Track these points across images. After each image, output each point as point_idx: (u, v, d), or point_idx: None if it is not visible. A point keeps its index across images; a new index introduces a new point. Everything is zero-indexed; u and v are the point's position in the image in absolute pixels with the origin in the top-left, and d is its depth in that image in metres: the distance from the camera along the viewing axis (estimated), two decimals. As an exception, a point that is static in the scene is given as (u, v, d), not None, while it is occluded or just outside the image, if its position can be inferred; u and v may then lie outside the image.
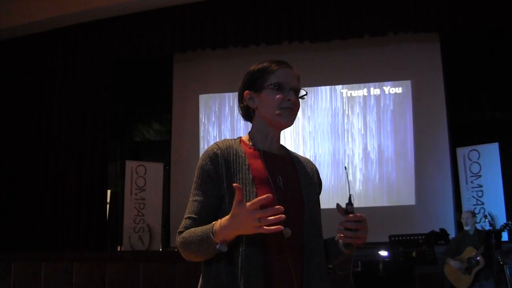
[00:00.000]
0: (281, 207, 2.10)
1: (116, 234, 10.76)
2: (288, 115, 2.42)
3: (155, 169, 10.59)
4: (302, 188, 2.43)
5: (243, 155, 2.41)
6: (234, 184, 2.15)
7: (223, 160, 2.37)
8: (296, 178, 2.46)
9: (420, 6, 9.47)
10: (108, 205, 10.91)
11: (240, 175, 2.35)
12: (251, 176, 2.35)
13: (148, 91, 11.82)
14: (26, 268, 8.69)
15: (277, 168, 2.43)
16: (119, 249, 10.55)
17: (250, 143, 2.48)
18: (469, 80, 10.39)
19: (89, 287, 8.62)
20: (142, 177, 10.41)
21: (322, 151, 10.31)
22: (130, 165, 10.49)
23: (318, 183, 2.58)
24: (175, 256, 9.23)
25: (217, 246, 2.18)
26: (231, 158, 2.39)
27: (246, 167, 2.37)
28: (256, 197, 2.19)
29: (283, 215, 2.09)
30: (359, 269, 7.72)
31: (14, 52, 10.97)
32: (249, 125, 2.55)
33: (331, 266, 7.18)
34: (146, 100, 12.02)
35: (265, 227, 2.09)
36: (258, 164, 2.41)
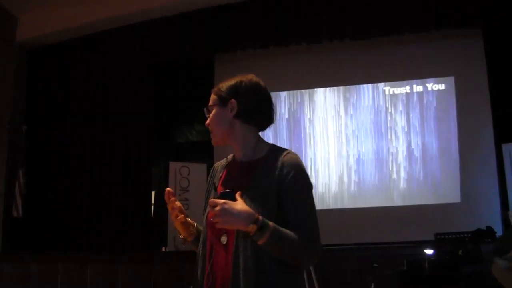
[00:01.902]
0: (169, 189, 2.58)
1: (161, 235, 10.84)
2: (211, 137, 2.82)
3: (198, 169, 10.63)
4: (244, 194, 2.41)
5: (222, 169, 2.79)
6: (167, 189, 2.59)
7: (210, 176, 2.86)
8: (245, 185, 2.49)
9: (462, 1, 9.34)
10: (152, 206, 11.01)
11: (211, 188, 2.71)
12: (213, 188, 2.65)
13: (190, 92, 11.85)
14: (73, 269, 8.83)
15: (235, 177, 2.62)
16: (163, 249, 10.62)
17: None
18: (514, 75, 10.20)
19: None
20: (185, 178, 10.48)
21: (366, 149, 10.21)
22: (173, 166, 10.57)
23: (278, 180, 2.49)
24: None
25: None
26: (216, 173, 2.82)
27: (218, 179, 2.73)
28: (206, 206, 2.57)
29: (171, 196, 2.57)
30: (405, 267, 7.64)
31: (61, 55, 11.15)
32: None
33: (375, 265, 7.13)
34: (188, 101, 12.06)
35: (176, 217, 2.58)
36: (223, 175, 2.73)
